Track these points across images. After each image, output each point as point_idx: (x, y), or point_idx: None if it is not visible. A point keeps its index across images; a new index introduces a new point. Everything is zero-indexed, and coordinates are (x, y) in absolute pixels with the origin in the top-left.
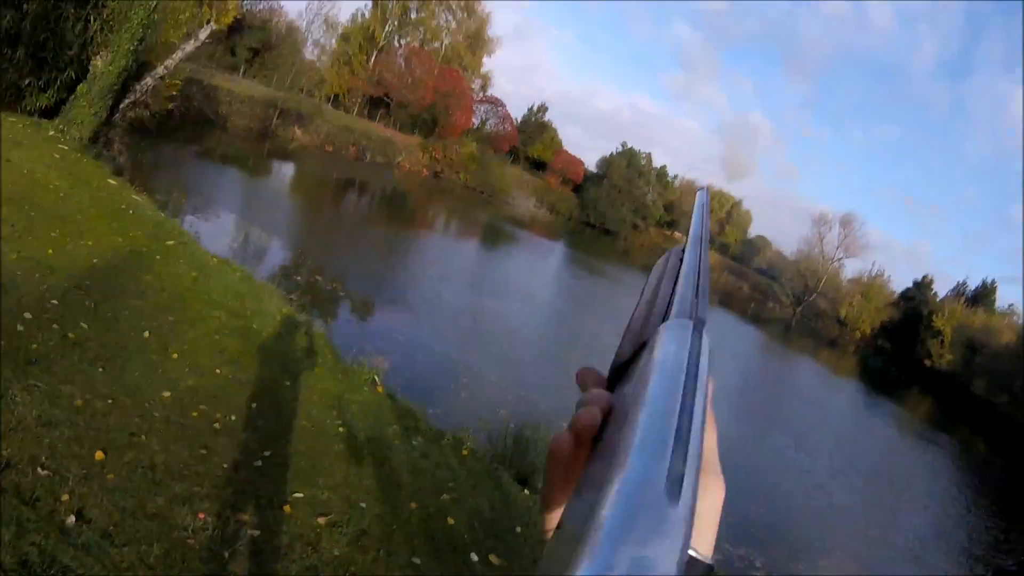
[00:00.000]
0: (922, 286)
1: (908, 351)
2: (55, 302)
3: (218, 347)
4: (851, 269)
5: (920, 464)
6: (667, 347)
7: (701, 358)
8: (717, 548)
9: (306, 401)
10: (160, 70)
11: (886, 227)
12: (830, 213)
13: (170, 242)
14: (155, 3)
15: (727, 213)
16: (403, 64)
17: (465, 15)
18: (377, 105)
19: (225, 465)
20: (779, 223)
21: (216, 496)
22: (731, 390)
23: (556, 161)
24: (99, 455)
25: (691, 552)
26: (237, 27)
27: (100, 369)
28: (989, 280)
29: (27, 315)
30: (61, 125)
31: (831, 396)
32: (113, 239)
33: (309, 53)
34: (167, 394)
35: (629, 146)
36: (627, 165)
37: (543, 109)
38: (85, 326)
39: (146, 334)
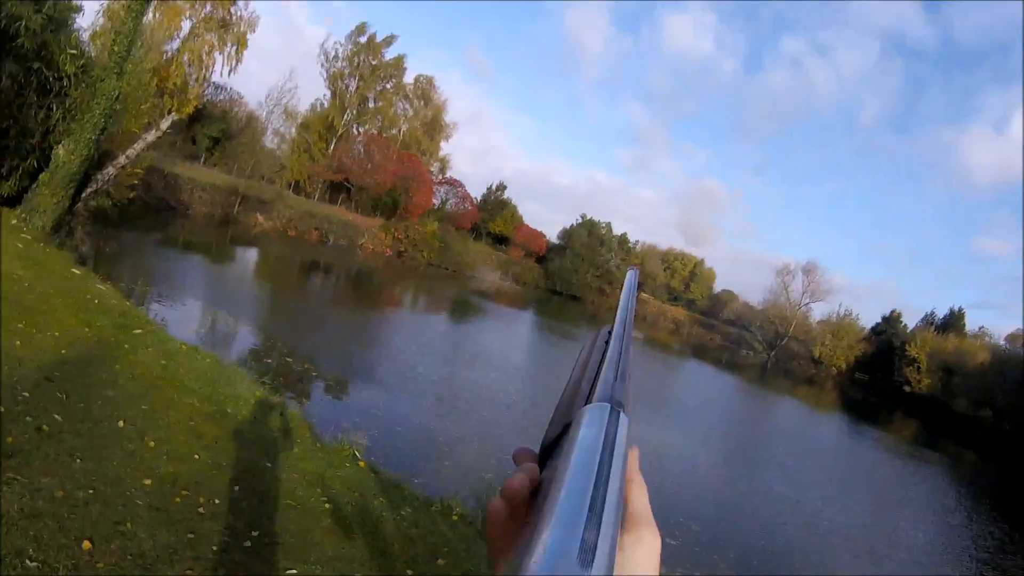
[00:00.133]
0: (891, 320)
1: (886, 380)
2: (26, 394)
3: (194, 432)
4: (819, 312)
5: (915, 481)
6: (586, 429)
7: (618, 437)
8: None
9: (289, 480)
10: (122, 159)
11: (849, 270)
12: (792, 263)
13: (137, 331)
14: (117, 93)
15: (690, 272)
16: (362, 150)
17: (422, 103)
18: (338, 190)
19: (214, 548)
20: (743, 277)
21: None
22: (716, 433)
23: (518, 235)
24: (87, 544)
25: None
26: (198, 116)
27: (78, 460)
28: (956, 308)
29: None
30: (23, 214)
31: (816, 428)
32: (80, 329)
33: (269, 141)
34: (148, 481)
35: (589, 217)
36: (588, 234)
37: (502, 187)
38: (58, 417)
39: (121, 423)
